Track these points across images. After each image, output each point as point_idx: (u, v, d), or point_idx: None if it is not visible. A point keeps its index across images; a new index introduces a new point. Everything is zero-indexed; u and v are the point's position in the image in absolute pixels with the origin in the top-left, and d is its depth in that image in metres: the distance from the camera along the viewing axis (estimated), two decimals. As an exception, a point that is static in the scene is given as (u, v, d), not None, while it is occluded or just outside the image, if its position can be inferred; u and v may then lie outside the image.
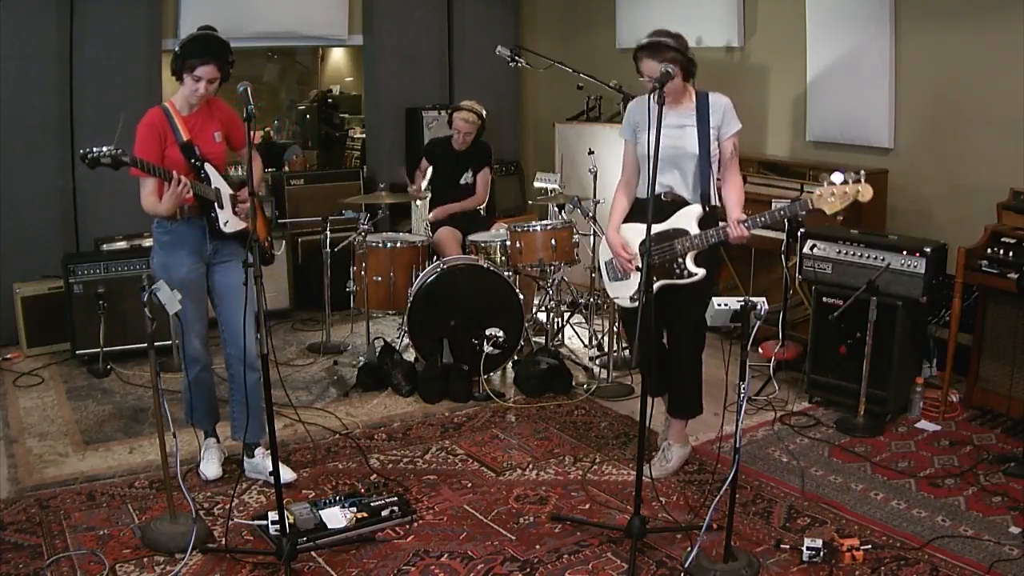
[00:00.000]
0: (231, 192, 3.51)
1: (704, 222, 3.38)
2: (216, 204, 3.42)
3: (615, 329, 4.85)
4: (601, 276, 3.75)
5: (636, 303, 3.41)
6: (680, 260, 3.39)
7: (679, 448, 3.73)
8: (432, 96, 6.75)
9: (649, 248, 2.98)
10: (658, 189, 3.32)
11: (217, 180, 3.44)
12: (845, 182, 3.08)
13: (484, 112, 5.30)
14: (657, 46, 3.26)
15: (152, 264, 3.49)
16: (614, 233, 3.55)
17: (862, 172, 3.09)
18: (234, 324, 3.49)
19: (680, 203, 3.43)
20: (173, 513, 3.14)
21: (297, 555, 2.94)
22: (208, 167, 3.41)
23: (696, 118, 3.38)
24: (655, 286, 3.39)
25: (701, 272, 3.39)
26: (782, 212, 3.28)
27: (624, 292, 3.58)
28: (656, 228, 3.24)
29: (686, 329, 3.53)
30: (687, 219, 3.39)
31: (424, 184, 5.48)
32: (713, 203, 3.42)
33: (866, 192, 3.07)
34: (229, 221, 3.48)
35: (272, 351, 3.00)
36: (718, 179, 3.45)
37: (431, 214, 5.37)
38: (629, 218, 3.57)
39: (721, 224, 3.33)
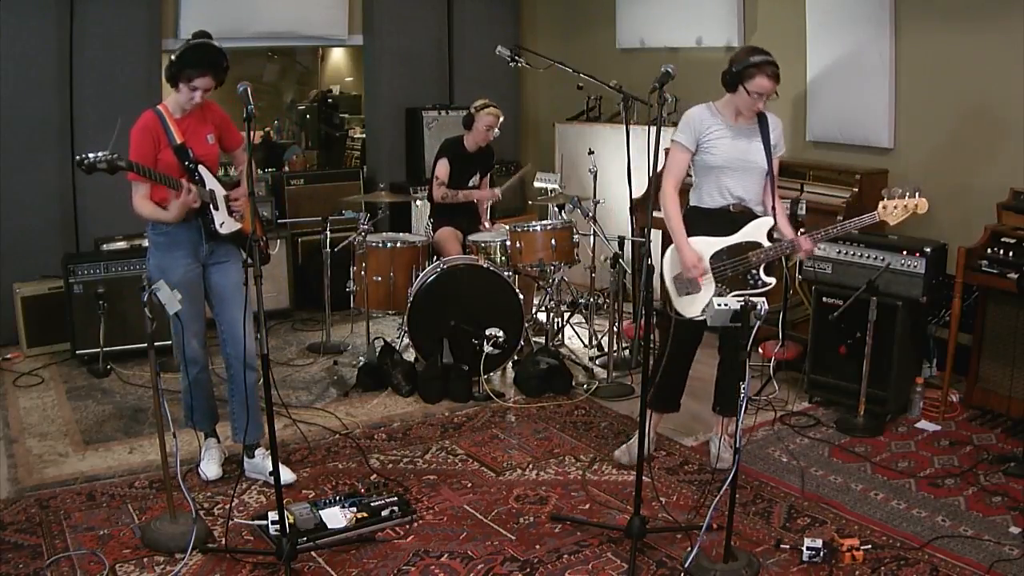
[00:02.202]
0: (225, 193, 3.52)
1: (771, 234, 3.48)
2: (211, 205, 3.42)
3: (615, 329, 4.85)
4: (668, 291, 3.60)
5: (705, 317, 3.44)
6: (754, 271, 3.46)
7: (721, 441, 3.77)
8: (432, 96, 6.74)
9: (649, 252, 3.00)
10: (728, 201, 3.49)
11: (211, 182, 3.44)
12: (903, 196, 3.36)
13: None
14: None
15: (148, 266, 3.49)
16: (689, 249, 3.44)
17: (919, 189, 3.39)
18: (233, 324, 3.50)
19: (748, 215, 3.50)
20: (173, 513, 3.14)
21: (297, 555, 2.94)
22: (202, 169, 3.41)
23: (760, 135, 3.46)
24: (729, 298, 3.41)
25: (772, 281, 3.49)
26: (851, 225, 3.46)
27: (694, 307, 3.48)
28: (728, 241, 3.45)
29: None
30: (759, 231, 3.46)
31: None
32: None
33: (922, 205, 3.35)
34: (224, 222, 3.48)
35: (267, 350, 2.99)
36: None
37: (462, 194, 5.26)
38: (691, 231, 3.51)
39: (789, 238, 3.45)
